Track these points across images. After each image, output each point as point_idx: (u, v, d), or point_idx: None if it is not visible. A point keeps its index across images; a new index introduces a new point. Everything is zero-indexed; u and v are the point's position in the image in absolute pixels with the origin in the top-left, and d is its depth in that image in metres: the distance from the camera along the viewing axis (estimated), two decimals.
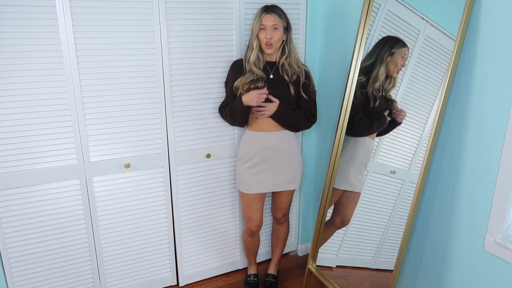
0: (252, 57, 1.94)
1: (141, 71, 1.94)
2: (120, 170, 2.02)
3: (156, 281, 2.29)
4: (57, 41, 1.75)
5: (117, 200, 2.06)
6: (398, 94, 1.77)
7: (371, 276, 1.96)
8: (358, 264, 2.03)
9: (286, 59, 1.97)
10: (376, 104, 1.87)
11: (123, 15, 1.84)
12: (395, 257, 1.75)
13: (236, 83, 1.97)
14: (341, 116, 2.00)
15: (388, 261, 1.84)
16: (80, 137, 1.89)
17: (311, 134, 2.48)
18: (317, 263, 2.22)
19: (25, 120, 1.78)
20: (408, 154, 1.74)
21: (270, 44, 1.89)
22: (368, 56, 1.91)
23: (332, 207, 2.13)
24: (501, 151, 1.43)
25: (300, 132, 2.41)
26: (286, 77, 1.96)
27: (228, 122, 2.10)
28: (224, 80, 2.11)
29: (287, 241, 2.47)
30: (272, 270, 2.40)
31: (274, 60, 1.99)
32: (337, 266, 2.15)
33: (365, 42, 1.91)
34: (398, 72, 1.78)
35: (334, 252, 2.13)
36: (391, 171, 1.82)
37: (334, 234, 2.12)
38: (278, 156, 2.03)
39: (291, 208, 2.40)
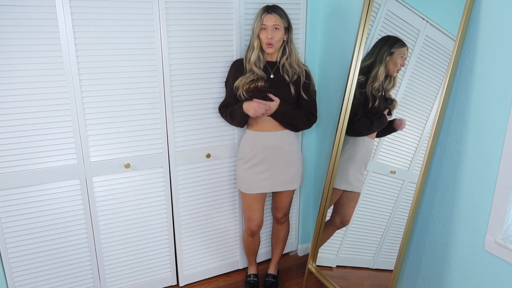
0: (253, 57, 1.94)
1: (141, 71, 1.94)
2: (120, 170, 2.02)
3: (156, 281, 2.29)
4: (57, 41, 1.75)
5: (117, 200, 2.06)
6: (398, 94, 1.77)
7: (371, 276, 1.96)
8: (358, 264, 2.03)
9: (286, 59, 1.97)
10: (376, 104, 1.87)
11: (123, 15, 1.84)
12: (395, 257, 1.75)
13: (236, 83, 1.98)
14: (341, 116, 2.00)
15: (388, 261, 1.84)
16: (80, 137, 1.89)
17: (311, 134, 2.48)
18: (317, 263, 2.22)
19: (25, 120, 1.78)
20: (408, 154, 1.74)
21: (271, 44, 1.89)
22: (367, 56, 1.91)
23: (332, 207, 2.14)
24: (501, 151, 1.43)
25: (300, 132, 2.41)
26: (286, 77, 1.96)
27: (228, 122, 2.12)
28: (224, 80, 2.11)
29: (287, 241, 2.47)
30: (272, 270, 2.40)
31: (274, 60, 1.99)
32: (337, 266, 2.15)
33: (365, 42, 1.91)
34: (397, 72, 1.78)
35: (334, 252, 2.13)
36: (391, 171, 1.82)
37: (334, 234, 2.12)
38: (278, 156, 2.04)
39: (291, 208, 2.40)
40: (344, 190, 2.07)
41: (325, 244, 2.17)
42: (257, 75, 1.94)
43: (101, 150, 1.96)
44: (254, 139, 2.04)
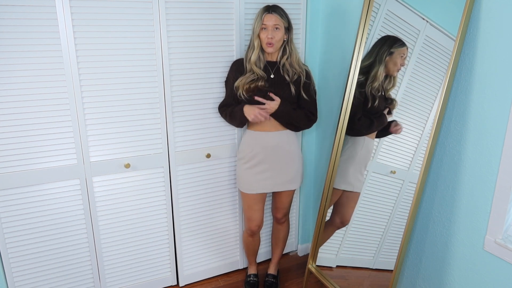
0: (253, 57, 1.94)
1: (141, 71, 1.94)
2: (120, 170, 2.02)
3: (156, 281, 2.29)
4: (57, 41, 1.75)
5: (117, 200, 2.06)
6: (398, 93, 1.77)
7: (371, 276, 1.96)
8: (358, 264, 2.03)
9: (287, 59, 1.97)
10: (375, 104, 1.87)
11: (123, 15, 1.84)
12: (395, 257, 1.75)
13: (236, 83, 1.98)
14: (341, 116, 2.00)
15: (388, 261, 1.84)
16: (80, 137, 1.89)
17: (311, 134, 2.48)
18: (317, 263, 2.22)
19: (25, 120, 1.78)
20: (408, 154, 1.74)
21: (271, 44, 1.89)
22: (367, 56, 1.91)
23: (332, 207, 2.14)
24: (501, 151, 1.43)
25: (300, 132, 2.41)
26: (287, 77, 1.96)
27: (227, 122, 2.13)
28: (224, 80, 2.11)
29: (287, 241, 2.47)
30: (272, 270, 2.40)
31: (275, 60, 1.99)
32: (337, 266, 2.15)
33: (365, 42, 1.91)
34: (397, 72, 1.78)
35: (334, 252, 2.13)
36: (391, 171, 1.82)
37: (334, 234, 2.12)
38: (278, 156, 2.04)
39: (291, 208, 2.40)
40: (344, 190, 2.07)
41: (325, 244, 2.17)
42: (257, 75, 1.94)
43: (101, 150, 1.96)
44: (254, 139, 2.04)
